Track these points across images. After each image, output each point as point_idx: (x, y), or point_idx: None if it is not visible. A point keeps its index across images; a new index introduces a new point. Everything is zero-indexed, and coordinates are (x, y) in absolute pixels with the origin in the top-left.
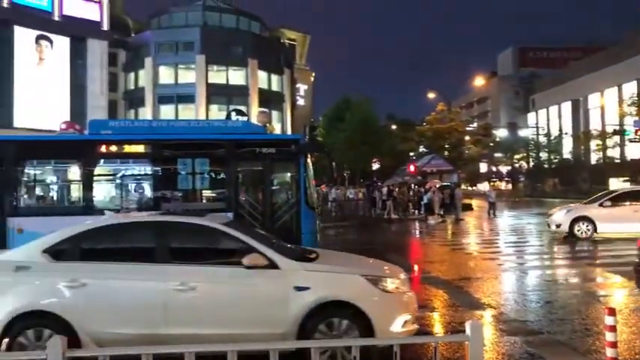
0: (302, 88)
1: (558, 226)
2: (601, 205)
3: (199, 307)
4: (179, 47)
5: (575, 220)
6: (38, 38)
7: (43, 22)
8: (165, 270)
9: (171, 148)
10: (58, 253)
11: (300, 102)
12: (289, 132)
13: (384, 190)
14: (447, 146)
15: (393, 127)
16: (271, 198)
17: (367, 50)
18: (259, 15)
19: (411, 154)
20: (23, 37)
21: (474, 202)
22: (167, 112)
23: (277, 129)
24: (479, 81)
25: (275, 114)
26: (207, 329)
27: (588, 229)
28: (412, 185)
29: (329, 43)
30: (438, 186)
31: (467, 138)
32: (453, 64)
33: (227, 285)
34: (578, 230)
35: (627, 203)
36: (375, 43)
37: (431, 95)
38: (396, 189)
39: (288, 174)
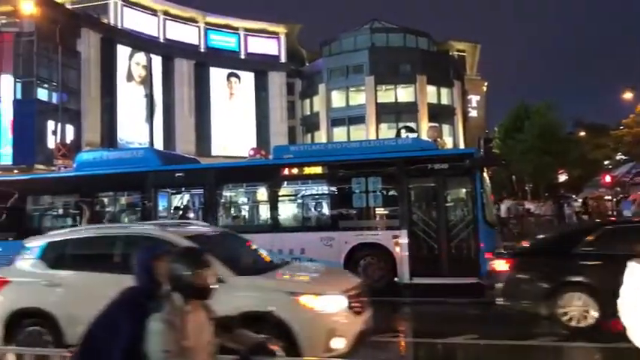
0: (474, 99)
1: None
2: None
3: None
4: (349, 71)
5: None
6: (229, 76)
7: (232, 61)
8: None
9: (346, 168)
10: None
11: (473, 114)
12: (461, 146)
13: (576, 203)
14: None
15: (582, 133)
16: (446, 215)
17: (547, 51)
18: (427, 30)
19: (606, 162)
20: (217, 76)
21: None
22: (339, 134)
23: (449, 143)
24: None
25: (446, 128)
26: None
27: None
28: (611, 198)
29: (503, 48)
30: None
31: None
32: None
33: None
34: None
35: None
36: (555, 42)
37: (627, 95)
38: (594, 202)
39: (463, 190)
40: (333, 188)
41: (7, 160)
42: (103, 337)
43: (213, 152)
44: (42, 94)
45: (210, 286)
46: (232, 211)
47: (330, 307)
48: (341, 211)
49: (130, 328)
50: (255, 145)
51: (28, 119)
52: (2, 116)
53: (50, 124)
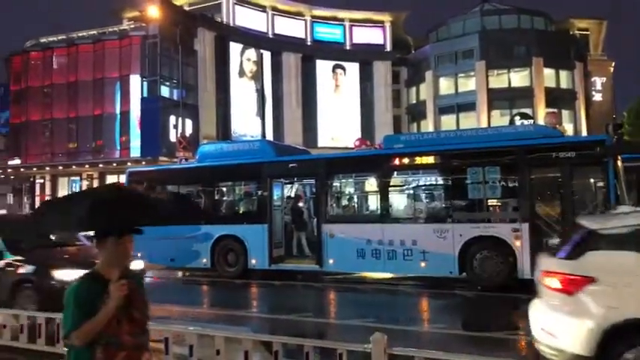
0: (598, 81)
1: None
2: None
3: None
4: (458, 57)
5: None
6: (334, 67)
7: (338, 52)
8: None
9: (461, 157)
10: None
11: (597, 97)
12: (584, 133)
13: None
14: None
15: None
16: (573, 208)
17: None
18: (544, 9)
19: None
20: (323, 68)
21: None
22: (447, 122)
23: (569, 130)
24: None
25: (565, 114)
26: None
27: None
28: None
29: (635, 24)
30: None
31: None
32: None
33: None
34: None
35: None
36: None
37: None
38: None
39: (593, 180)
40: (448, 178)
41: (136, 153)
42: None
43: (320, 143)
44: (164, 91)
45: None
46: (343, 201)
47: None
48: (455, 203)
49: None
50: (360, 136)
51: (153, 115)
52: (131, 113)
53: (172, 119)
